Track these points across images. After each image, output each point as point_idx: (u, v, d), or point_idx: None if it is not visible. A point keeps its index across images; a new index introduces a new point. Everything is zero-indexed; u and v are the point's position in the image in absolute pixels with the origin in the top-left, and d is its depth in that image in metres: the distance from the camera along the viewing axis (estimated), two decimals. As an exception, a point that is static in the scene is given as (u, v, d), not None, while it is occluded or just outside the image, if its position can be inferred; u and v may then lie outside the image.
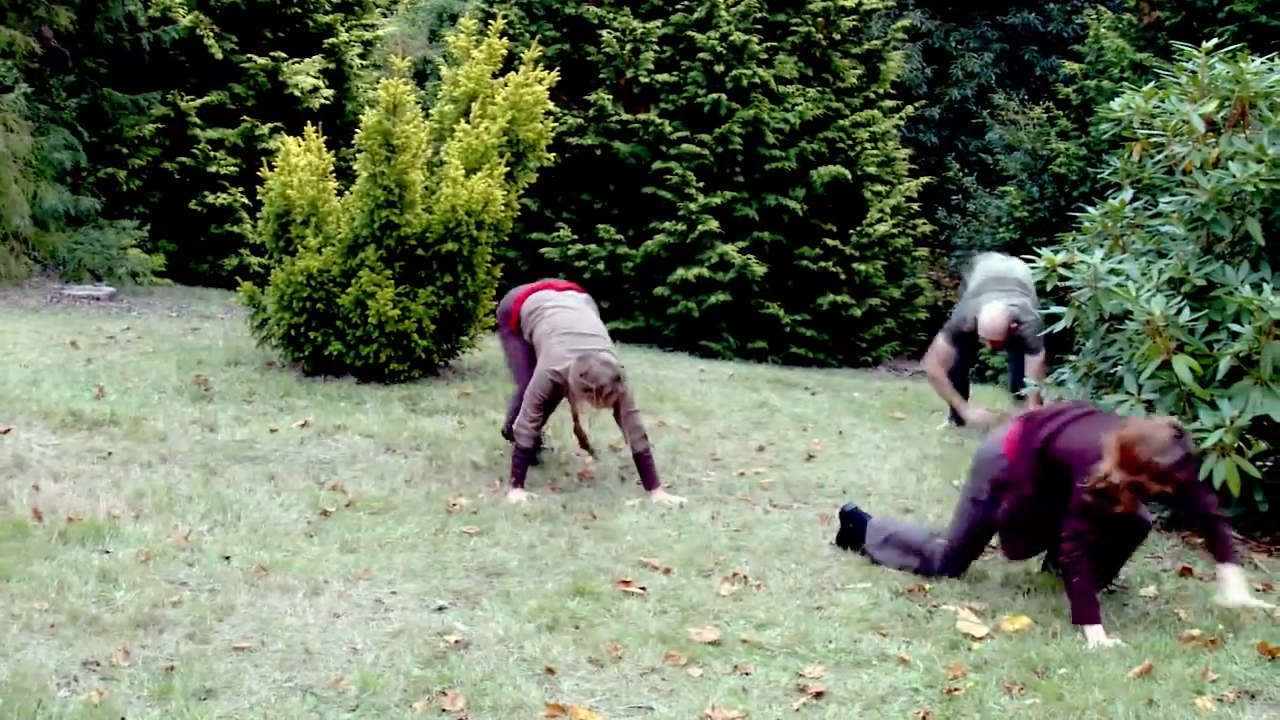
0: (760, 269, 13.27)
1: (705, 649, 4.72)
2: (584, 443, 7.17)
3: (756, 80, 13.58)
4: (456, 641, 4.65)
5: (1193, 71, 6.50)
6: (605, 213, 13.88)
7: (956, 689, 4.45)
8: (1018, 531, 5.31)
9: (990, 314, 7.92)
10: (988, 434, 7.04)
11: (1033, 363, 7.95)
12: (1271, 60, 6.43)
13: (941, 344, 8.32)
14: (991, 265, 8.52)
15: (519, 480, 6.53)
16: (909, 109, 16.02)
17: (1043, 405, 7.32)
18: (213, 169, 14.07)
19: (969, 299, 8.30)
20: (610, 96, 13.65)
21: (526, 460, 6.61)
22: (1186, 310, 5.86)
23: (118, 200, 13.84)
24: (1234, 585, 5.05)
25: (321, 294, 8.54)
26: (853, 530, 5.85)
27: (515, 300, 7.11)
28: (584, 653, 4.62)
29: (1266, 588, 5.50)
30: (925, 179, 16.02)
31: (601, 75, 13.85)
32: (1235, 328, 5.65)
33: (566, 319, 6.75)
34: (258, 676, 4.27)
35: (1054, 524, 5.07)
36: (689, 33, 13.74)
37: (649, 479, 6.58)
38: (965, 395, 8.59)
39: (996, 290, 8.13)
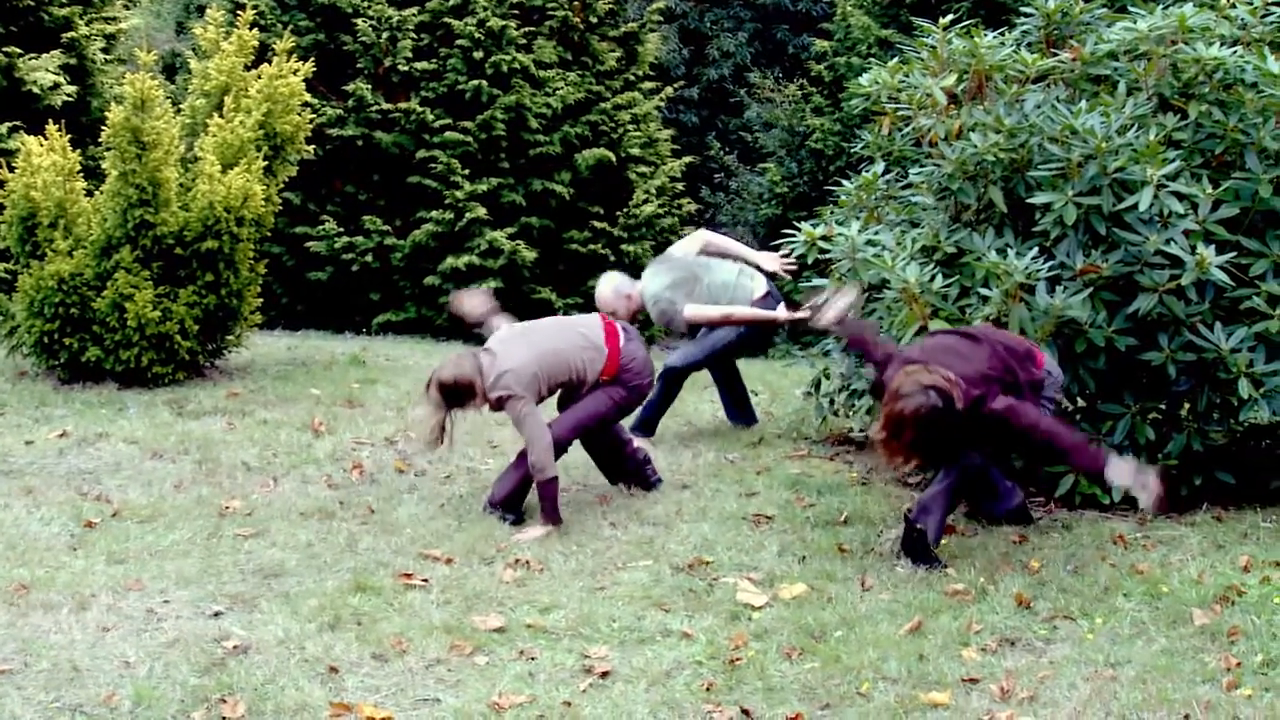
0: (530, 254, 13.29)
1: (490, 637, 4.72)
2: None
3: (516, 66, 13.57)
4: (235, 647, 4.55)
5: (933, 46, 6.75)
6: (371, 204, 13.70)
7: (738, 658, 4.56)
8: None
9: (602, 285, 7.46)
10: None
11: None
12: (1003, 35, 6.73)
13: None
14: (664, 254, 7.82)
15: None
16: (668, 90, 16.24)
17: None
18: (-53, 172, 13.36)
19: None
20: (369, 86, 13.46)
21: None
22: (939, 277, 6.10)
23: None
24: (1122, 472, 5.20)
25: (75, 298, 8.21)
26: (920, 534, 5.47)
27: None
28: (367, 649, 4.57)
29: (1022, 539, 5.78)
30: (688, 159, 16.27)
31: (359, 65, 13.65)
32: (984, 291, 5.90)
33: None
34: (21, 700, 4.09)
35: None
36: (446, 20, 13.64)
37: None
38: (738, 390, 7.92)
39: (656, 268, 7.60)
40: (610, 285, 7.39)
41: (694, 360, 7.51)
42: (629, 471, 6.54)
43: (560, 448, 6.11)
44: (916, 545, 5.43)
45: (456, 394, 5.83)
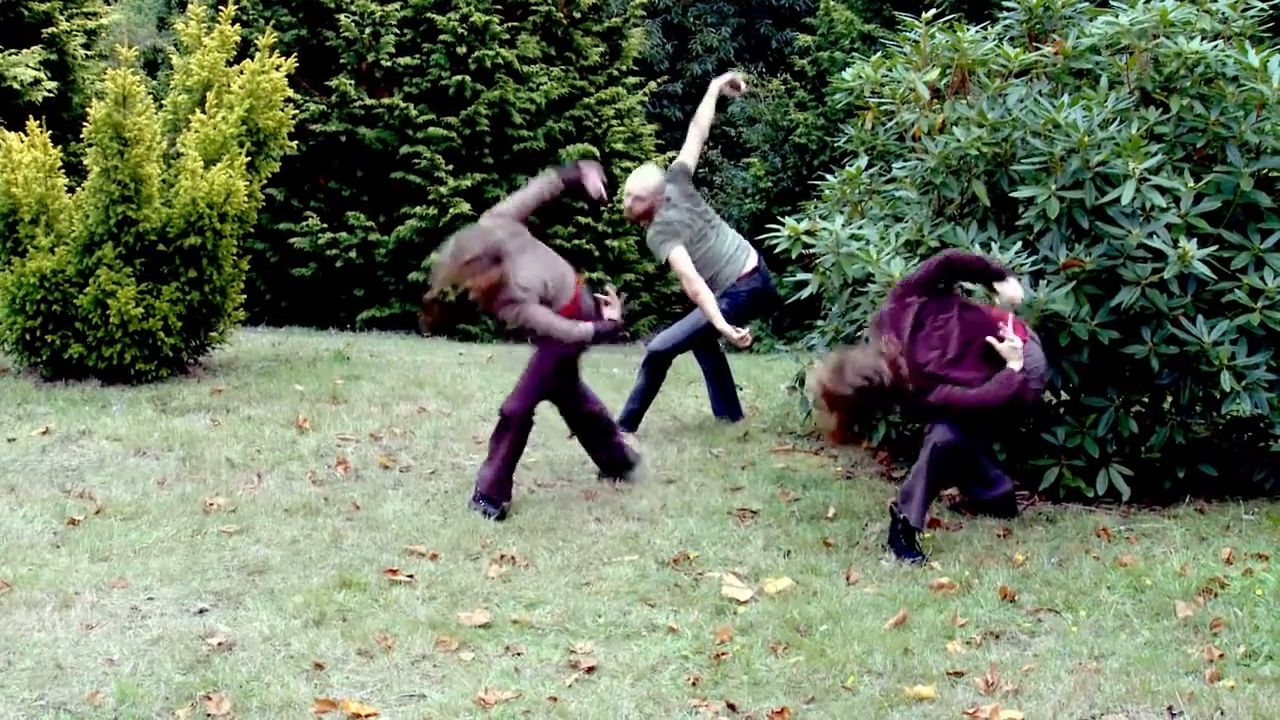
0: (514, 249, 13.27)
1: (476, 632, 4.72)
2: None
3: (500, 61, 13.55)
4: (219, 644, 4.54)
5: (915, 41, 6.76)
6: (355, 199, 13.67)
7: (724, 653, 4.56)
8: None
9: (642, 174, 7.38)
10: None
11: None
12: (985, 29, 6.74)
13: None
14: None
15: None
16: (652, 85, 16.23)
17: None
18: (-74, 169, 13.27)
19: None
20: (352, 81, 13.42)
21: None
22: (923, 271, 6.10)
23: None
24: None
25: (57, 295, 8.18)
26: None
27: None
28: (353, 645, 4.57)
29: (1007, 533, 5.80)
30: (672, 153, 16.18)
31: (342, 60, 13.61)
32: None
33: None
34: (4, 698, 4.08)
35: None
36: (429, 15, 13.61)
37: None
38: (727, 383, 7.84)
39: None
40: (655, 179, 7.29)
41: (676, 343, 7.46)
42: (609, 453, 6.58)
43: (524, 419, 6.19)
44: (901, 535, 5.45)
45: (467, 255, 5.80)
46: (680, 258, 7.17)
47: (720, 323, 7.11)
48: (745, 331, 7.16)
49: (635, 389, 7.53)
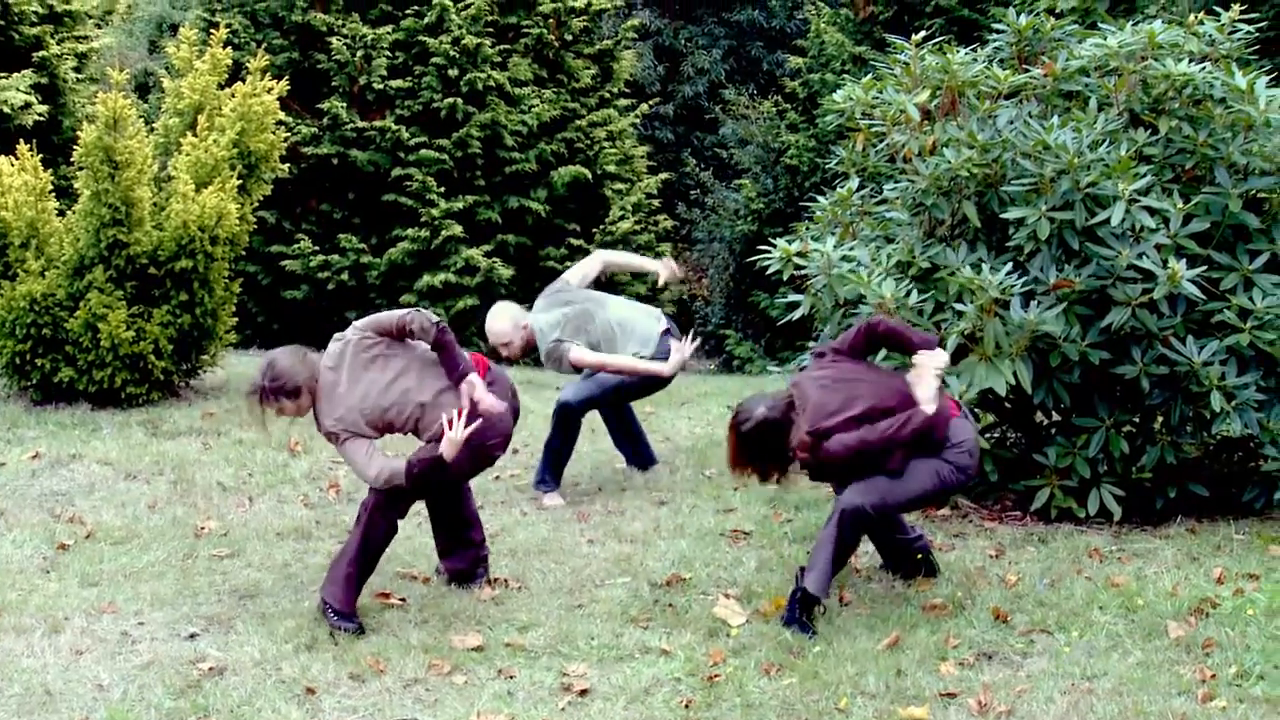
0: (506, 271, 13.29)
1: (469, 655, 4.71)
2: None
3: (491, 83, 13.58)
4: (210, 668, 4.53)
5: (906, 63, 6.78)
6: (346, 222, 13.69)
7: (717, 675, 4.56)
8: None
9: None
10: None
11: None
12: (975, 51, 6.76)
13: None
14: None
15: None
16: (644, 107, 16.28)
17: None
18: (-82, 193, 13.24)
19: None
20: (344, 104, 13.45)
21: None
22: (915, 292, 6.11)
23: None
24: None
25: (47, 318, 8.18)
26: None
27: None
28: (345, 669, 4.56)
29: (999, 553, 5.80)
30: (664, 175, 16.29)
31: (334, 83, 13.64)
32: (959, 307, 5.91)
33: None
34: (-4, 724, 4.07)
35: None
36: (421, 38, 13.65)
37: None
38: (632, 431, 7.30)
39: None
40: (508, 316, 6.71)
41: (590, 396, 6.86)
42: (468, 560, 5.53)
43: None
44: (800, 603, 5.04)
45: None
46: (580, 355, 6.66)
47: (652, 366, 6.65)
48: (679, 356, 6.75)
49: (548, 443, 6.92)
